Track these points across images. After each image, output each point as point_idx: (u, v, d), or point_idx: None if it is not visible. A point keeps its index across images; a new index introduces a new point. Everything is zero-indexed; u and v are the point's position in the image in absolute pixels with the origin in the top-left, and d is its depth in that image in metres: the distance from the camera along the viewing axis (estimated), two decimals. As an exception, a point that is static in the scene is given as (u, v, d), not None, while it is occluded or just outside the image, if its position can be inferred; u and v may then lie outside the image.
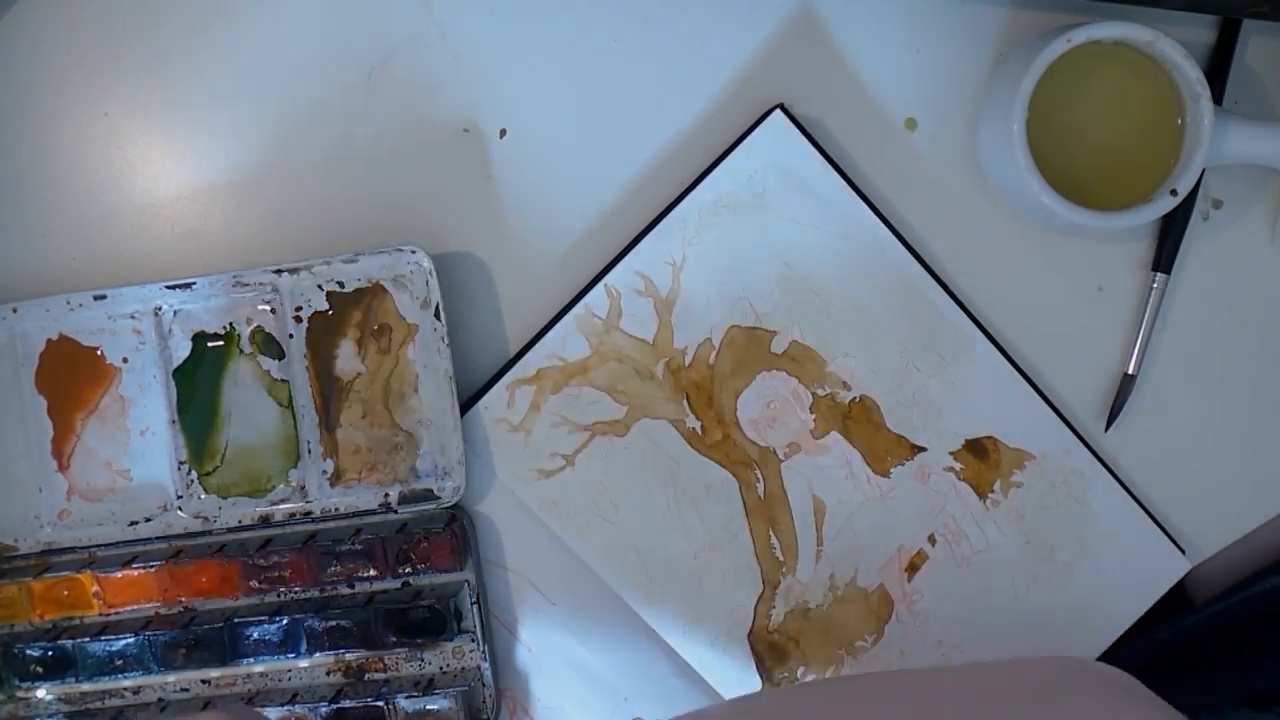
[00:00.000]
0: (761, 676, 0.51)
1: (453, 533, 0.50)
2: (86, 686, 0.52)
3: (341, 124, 0.52)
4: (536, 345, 0.51)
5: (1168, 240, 0.51)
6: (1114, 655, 0.52)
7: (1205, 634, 0.53)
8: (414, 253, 0.49)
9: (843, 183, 0.50)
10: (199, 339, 0.52)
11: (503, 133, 0.52)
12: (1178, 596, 0.53)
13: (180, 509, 0.52)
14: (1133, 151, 0.48)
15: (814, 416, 0.51)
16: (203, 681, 0.53)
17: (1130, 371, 0.51)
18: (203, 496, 0.52)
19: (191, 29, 0.52)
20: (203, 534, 0.52)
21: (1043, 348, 0.52)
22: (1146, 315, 0.51)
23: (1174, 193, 0.47)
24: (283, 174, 0.52)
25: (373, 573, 0.51)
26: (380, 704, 0.50)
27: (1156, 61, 0.47)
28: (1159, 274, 0.51)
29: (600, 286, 0.51)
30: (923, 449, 0.51)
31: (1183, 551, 0.51)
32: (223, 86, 0.52)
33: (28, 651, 0.51)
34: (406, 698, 0.50)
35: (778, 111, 0.50)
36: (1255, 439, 0.52)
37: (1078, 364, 0.52)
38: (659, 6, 0.51)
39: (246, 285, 0.51)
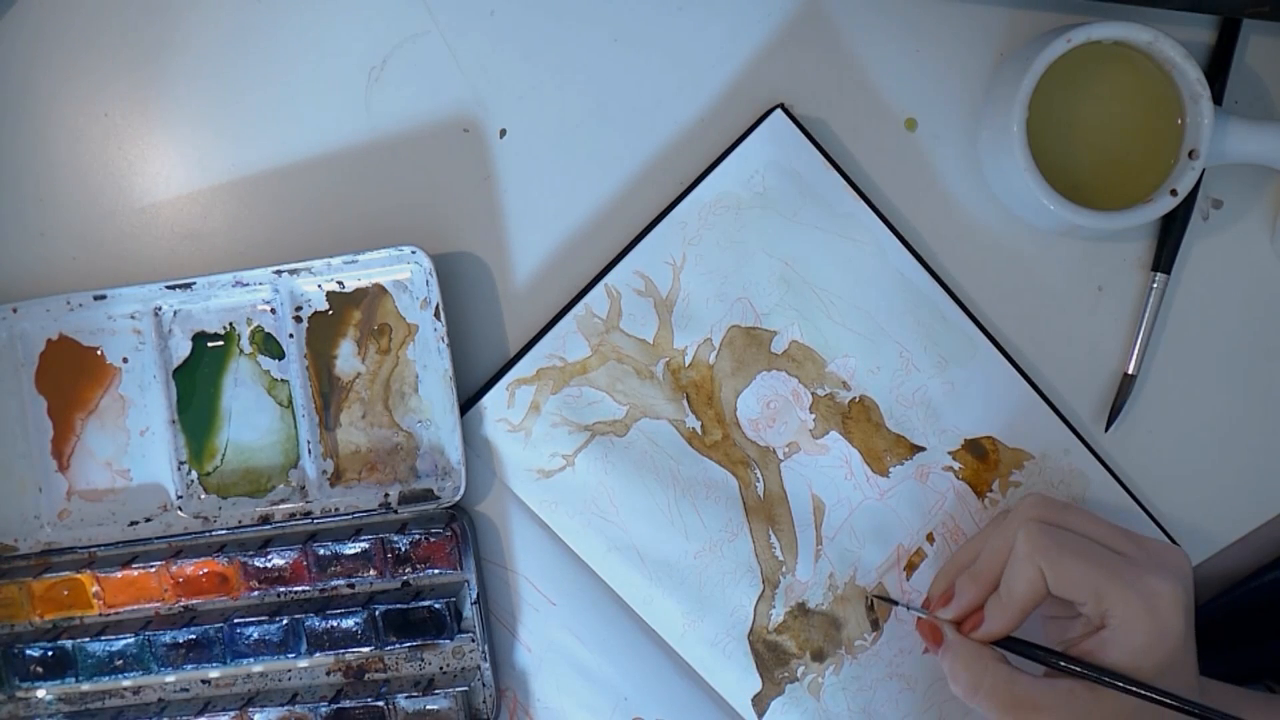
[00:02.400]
0: (761, 676, 0.51)
1: (453, 533, 0.50)
2: (86, 686, 0.52)
3: (341, 124, 0.52)
4: (536, 345, 0.51)
5: (1168, 240, 0.51)
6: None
7: (1203, 625, 0.53)
8: (414, 253, 0.49)
9: (843, 182, 0.50)
10: (199, 339, 0.52)
11: (503, 133, 0.52)
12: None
13: (180, 509, 0.52)
14: (1133, 151, 0.48)
15: (813, 416, 0.51)
16: (203, 681, 0.53)
17: (1130, 371, 0.51)
18: (203, 496, 0.52)
19: (191, 29, 0.52)
20: (203, 534, 0.52)
21: (1043, 348, 0.52)
22: (1146, 315, 0.51)
23: (1174, 193, 0.47)
24: (283, 174, 0.52)
25: (373, 573, 0.51)
26: (380, 704, 0.50)
27: (1156, 61, 0.47)
28: (1159, 274, 0.51)
29: (600, 286, 0.51)
30: (922, 449, 0.51)
31: (1182, 551, 0.52)
32: (223, 87, 0.52)
33: (28, 651, 0.51)
34: (406, 698, 0.50)
35: (778, 111, 0.50)
36: (1255, 439, 0.52)
37: (1078, 364, 0.52)
38: (659, 6, 0.51)
39: (246, 285, 0.51)
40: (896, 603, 0.51)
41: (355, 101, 0.52)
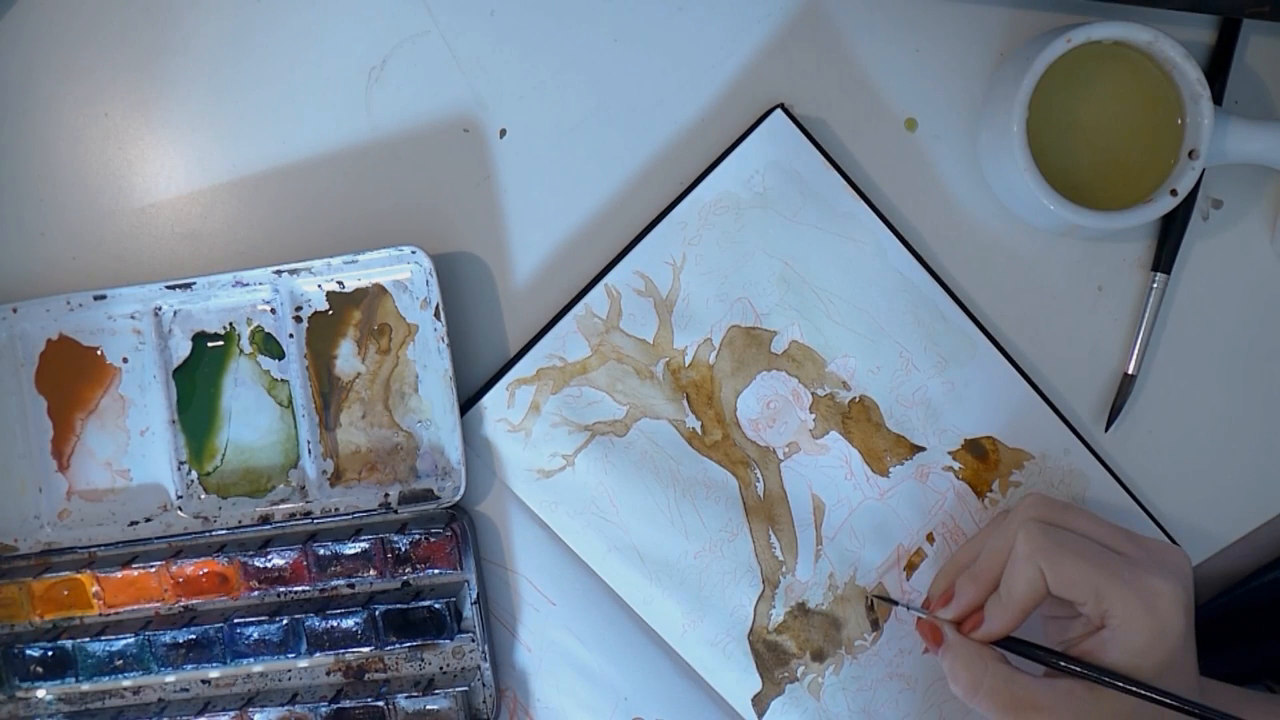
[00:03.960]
0: (761, 676, 0.51)
1: (453, 533, 0.50)
2: (86, 686, 0.52)
3: (341, 124, 0.52)
4: (536, 345, 0.51)
5: (1168, 240, 0.51)
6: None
7: (1203, 625, 0.54)
8: (414, 253, 0.49)
9: (843, 182, 0.50)
10: (199, 339, 0.52)
11: (503, 133, 0.52)
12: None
13: (180, 509, 0.52)
14: (1133, 151, 0.48)
15: (813, 416, 0.51)
16: (203, 681, 0.53)
17: (1130, 371, 0.51)
18: (203, 496, 0.52)
19: (191, 29, 0.52)
20: (203, 534, 0.52)
21: (1043, 348, 0.52)
22: (1146, 315, 0.51)
23: (1174, 193, 0.47)
24: (283, 174, 0.52)
25: (373, 573, 0.51)
26: (380, 704, 0.50)
27: (1156, 61, 0.47)
28: (1159, 274, 0.51)
29: (600, 286, 0.51)
30: (922, 449, 0.51)
31: (1182, 551, 0.52)
32: (222, 87, 0.52)
33: (28, 651, 0.51)
34: (406, 698, 0.50)
35: (778, 111, 0.50)
36: (1255, 439, 0.52)
37: (1078, 364, 0.52)
38: (659, 6, 0.51)
39: (246, 285, 0.51)
40: (896, 603, 0.51)
41: (355, 101, 0.52)
